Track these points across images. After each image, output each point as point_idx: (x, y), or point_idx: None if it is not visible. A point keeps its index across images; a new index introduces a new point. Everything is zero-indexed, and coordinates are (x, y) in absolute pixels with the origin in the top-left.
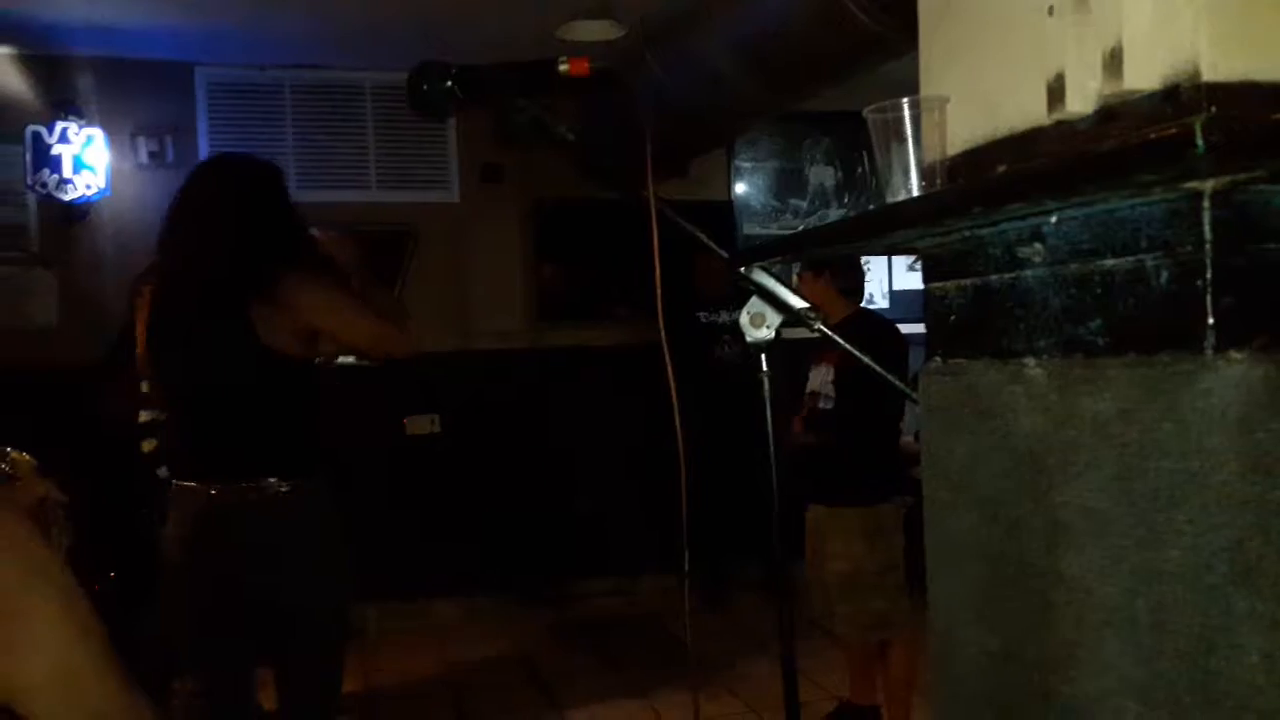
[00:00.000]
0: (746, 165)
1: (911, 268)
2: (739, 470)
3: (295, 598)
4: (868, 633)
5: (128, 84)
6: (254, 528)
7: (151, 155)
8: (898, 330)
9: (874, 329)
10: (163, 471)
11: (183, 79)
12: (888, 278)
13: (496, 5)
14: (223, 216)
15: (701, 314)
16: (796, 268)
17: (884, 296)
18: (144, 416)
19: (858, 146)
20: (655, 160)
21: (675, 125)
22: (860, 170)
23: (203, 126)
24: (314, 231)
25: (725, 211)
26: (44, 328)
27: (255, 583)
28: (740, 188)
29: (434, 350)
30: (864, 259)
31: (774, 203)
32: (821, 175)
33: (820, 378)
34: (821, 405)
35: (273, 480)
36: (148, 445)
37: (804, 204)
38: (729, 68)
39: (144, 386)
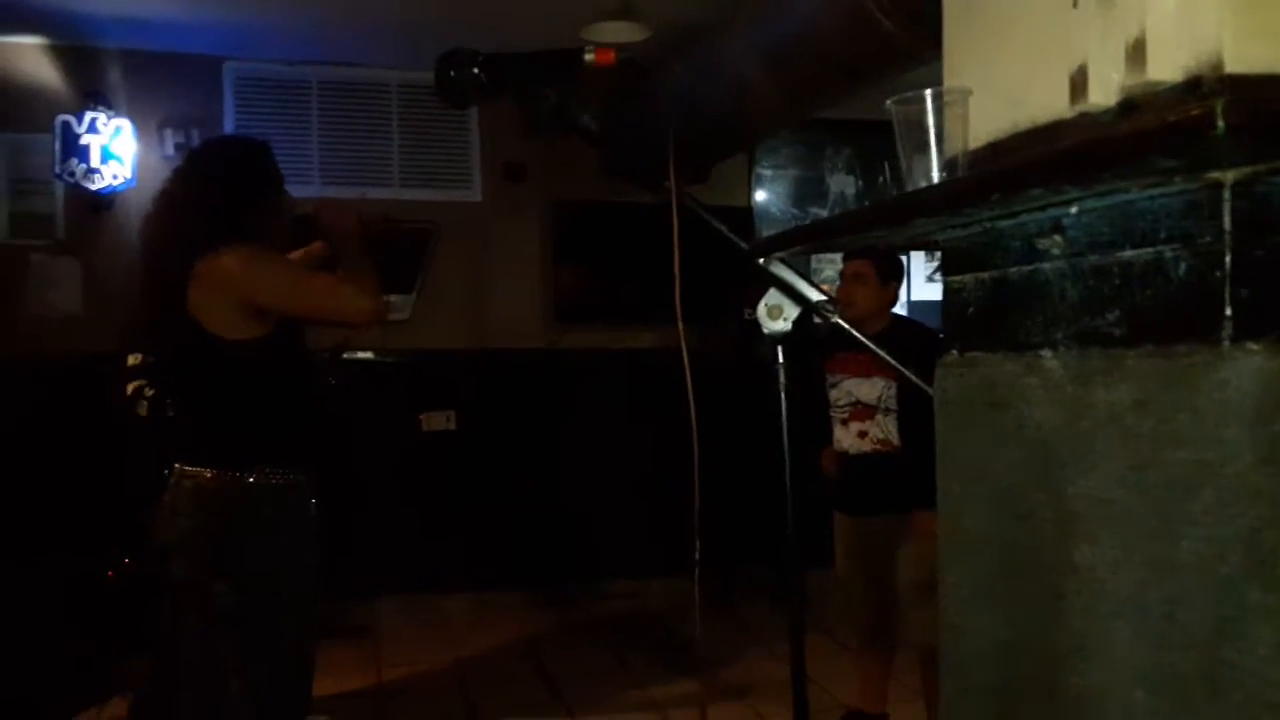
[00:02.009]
0: (767, 172)
1: (930, 278)
2: (763, 471)
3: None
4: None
5: (156, 76)
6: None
7: (178, 147)
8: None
9: (921, 337)
10: None
11: (211, 72)
12: (906, 288)
13: (523, 6)
14: (171, 199)
15: (747, 310)
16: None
17: (902, 307)
18: (130, 388)
19: (879, 156)
20: (676, 162)
21: (697, 130)
22: (881, 180)
23: (229, 120)
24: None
25: (745, 218)
26: (69, 314)
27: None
28: (760, 195)
29: (452, 347)
30: None
31: (794, 210)
32: (842, 184)
33: (875, 389)
34: (880, 418)
35: (201, 470)
36: (131, 386)
37: (824, 212)
38: (753, 73)
39: (131, 359)
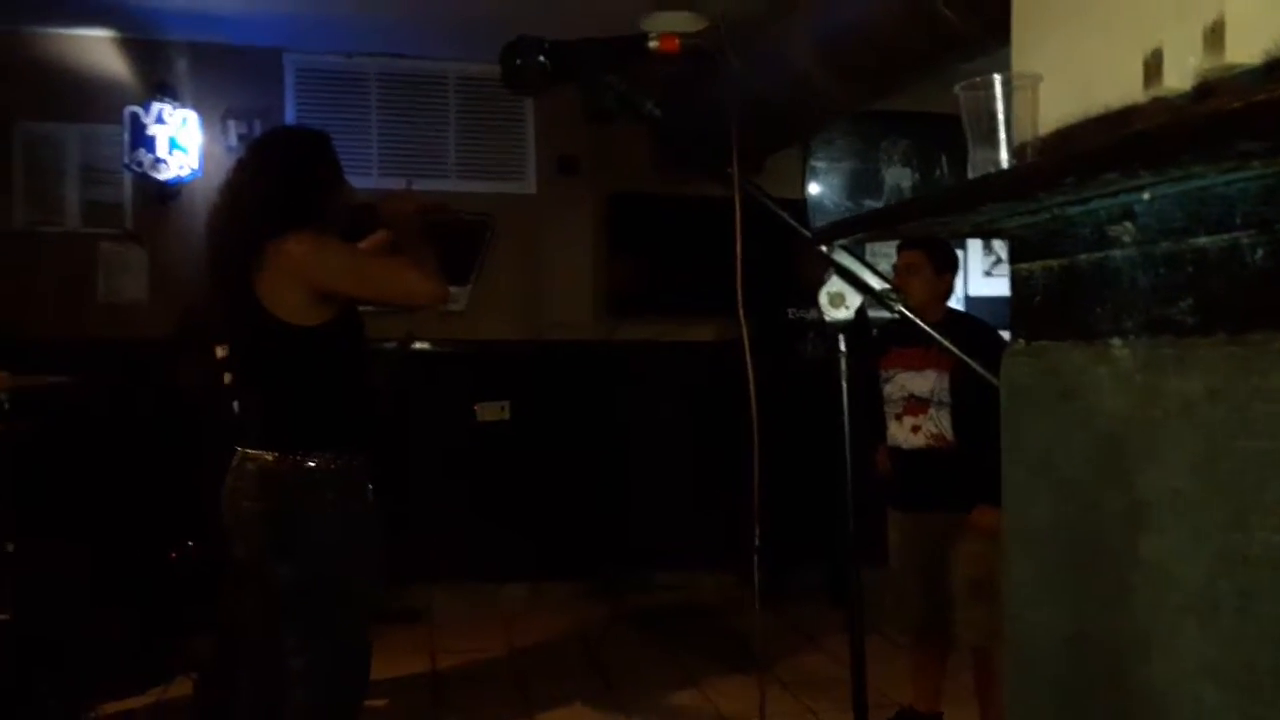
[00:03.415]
0: (821, 165)
1: (988, 273)
2: (812, 471)
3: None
4: (994, 638)
5: (220, 68)
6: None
7: (241, 138)
8: (1000, 335)
9: (980, 332)
10: None
11: (272, 65)
12: (963, 284)
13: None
14: (236, 189)
15: (790, 310)
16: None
17: (959, 302)
18: (227, 378)
19: (936, 148)
20: (738, 148)
21: (752, 121)
22: (938, 172)
23: (290, 111)
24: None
25: (799, 211)
26: (135, 302)
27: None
28: (814, 187)
29: (506, 338)
30: None
31: (848, 203)
32: (898, 176)
33: (927, 383)
34: (934, 411)
35: (263, 453)
36: (228, 377)
37: (879, 205)
38: (810, 63)
39: (219, 351)
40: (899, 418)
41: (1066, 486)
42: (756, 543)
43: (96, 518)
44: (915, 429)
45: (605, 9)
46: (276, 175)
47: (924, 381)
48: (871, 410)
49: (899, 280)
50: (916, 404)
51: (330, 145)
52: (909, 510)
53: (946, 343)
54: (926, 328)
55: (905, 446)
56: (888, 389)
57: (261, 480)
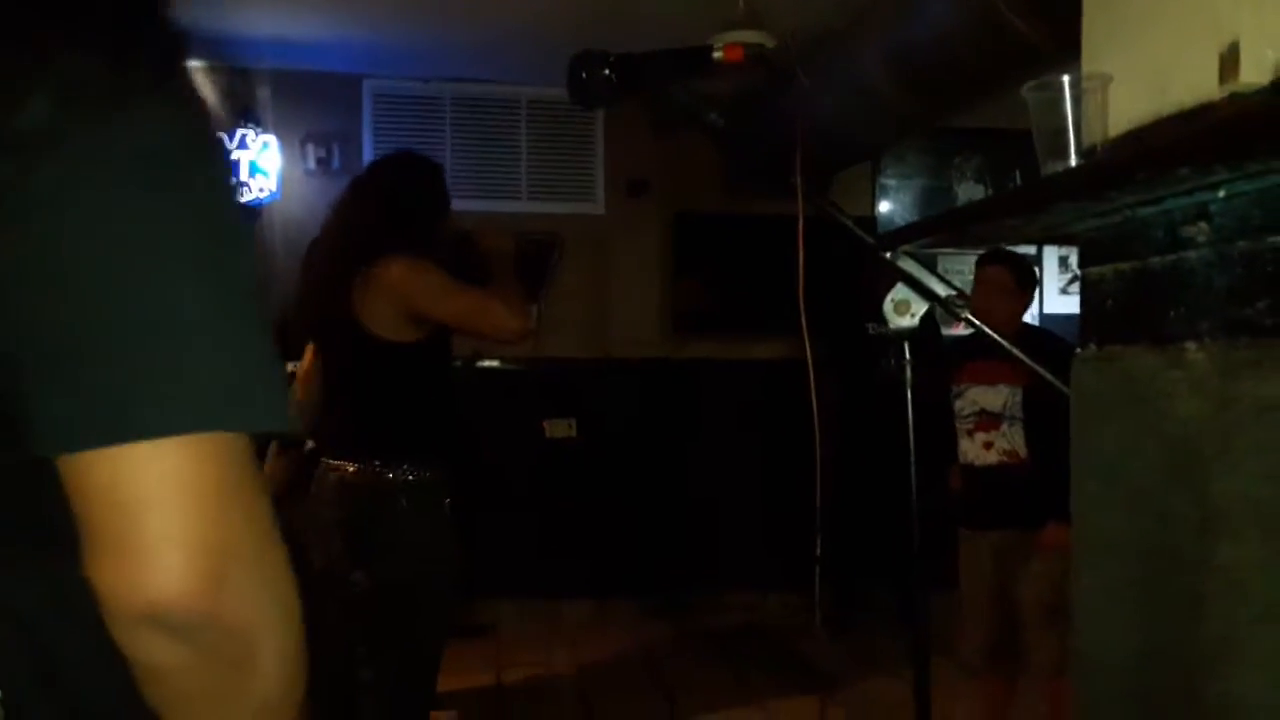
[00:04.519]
0: (892, 182)
1: (1064, 290)
2: (888, 490)
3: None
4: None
5: (300, 94)
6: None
7: (319, 161)
8: (1074, 348)
9: (1053, 345)
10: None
11: (351, 90)
12: (1039, 301)
13: (652, 22)
14: (347, 208)
15: (870, 326)
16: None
17: (1034, 319)
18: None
19: (1010, 164)
20: (803, 159)
21: (821, 138)
22: (1012, 188)
23: (367, 135)
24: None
25: (869, 228)
26: None
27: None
28: (885, 205)
29: (574, 356)
30: None
31: None
32: (971, 193)
33: (1000, 397)
34: (1006, 427)
35: (345, 464)
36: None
37: None
38: (881, 79)
39: (289, 366)
40: (970, 433)
41: (1138, 494)
42: (817, 552)
43: None
44: (988, 445)
45: (677, 34)
46: (389, 198)
47: (996, 396)
48: (944, 427)
49: (983, 296)
50: (989, 419)
51: (442, 176)
52: (980, 528)
53: (1017, 351)
54: (994, 335)
55: (977, 463)
56: (959, 404)
57: (341, 489)
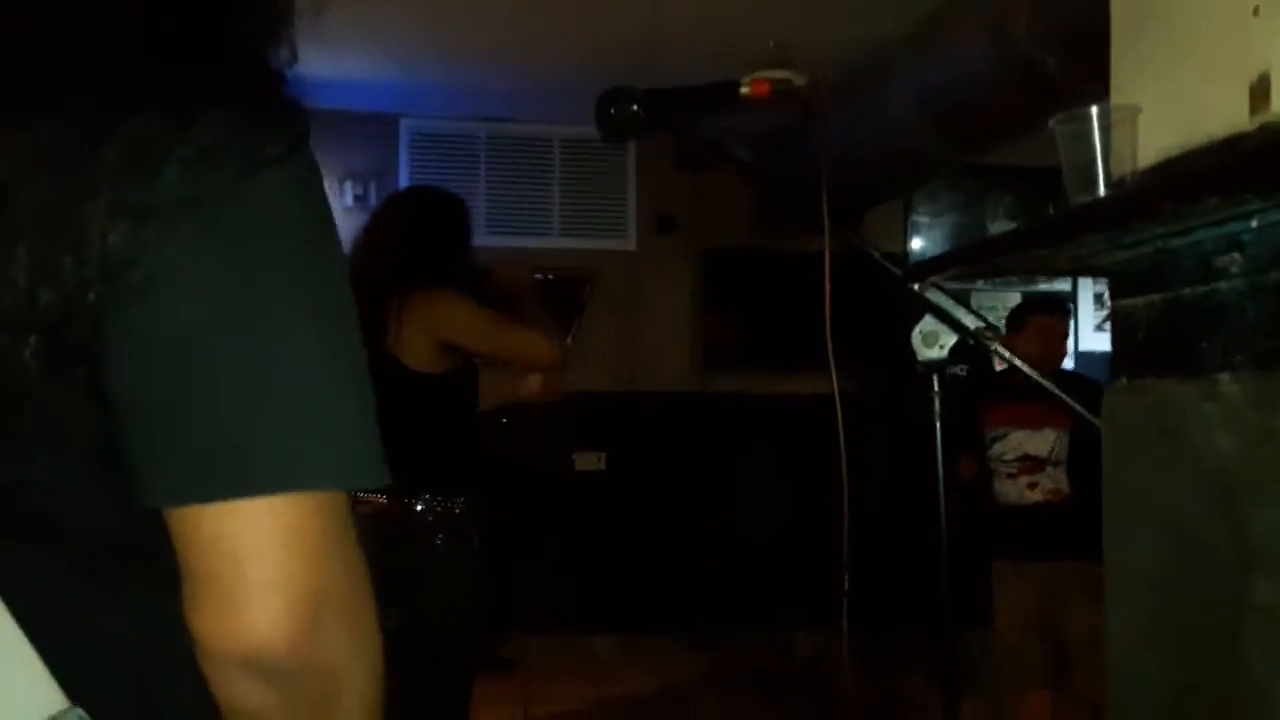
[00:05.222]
0: (924, 219)
1: (1099, 328)
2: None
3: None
4: None
5: (338, 132)
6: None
7: (356, 199)
8: None
9: (1094, 389)
10: None
11: (388, 128)
12: (1074, 338)
13: (684, 63)
14: (375, 237)
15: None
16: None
17: (1070, 357)
18: None
19: (1042, 202)
20: (830, 209)
21: (852, 174)
22: (1040, 220)
23: (404, 173)
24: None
25: (901, 266)
26: None
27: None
28: (917, 242)
29: (604, 390)
30: None
31: None
32: (1003, 230)
33: (1046, 442)
34: (1050, 470)
35: (375, 496)
36: None
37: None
38: (910, 117)
39: None
40: (1012, 476)
41: (1171, 528)
42: (845, 587)
43: None
44: (1032, 485)
45: (708, 75)
46: (418, 231)
47: (1043, 441)
48: (962, 437)
49: (1051, 345)
50: (1033, 464)
51: (467, 210)
52: (1024, 560)
53: (1066, 398)
54: (1039, 377)
55: (1020, 503)
56: (999, 447)
57: (372, 523)
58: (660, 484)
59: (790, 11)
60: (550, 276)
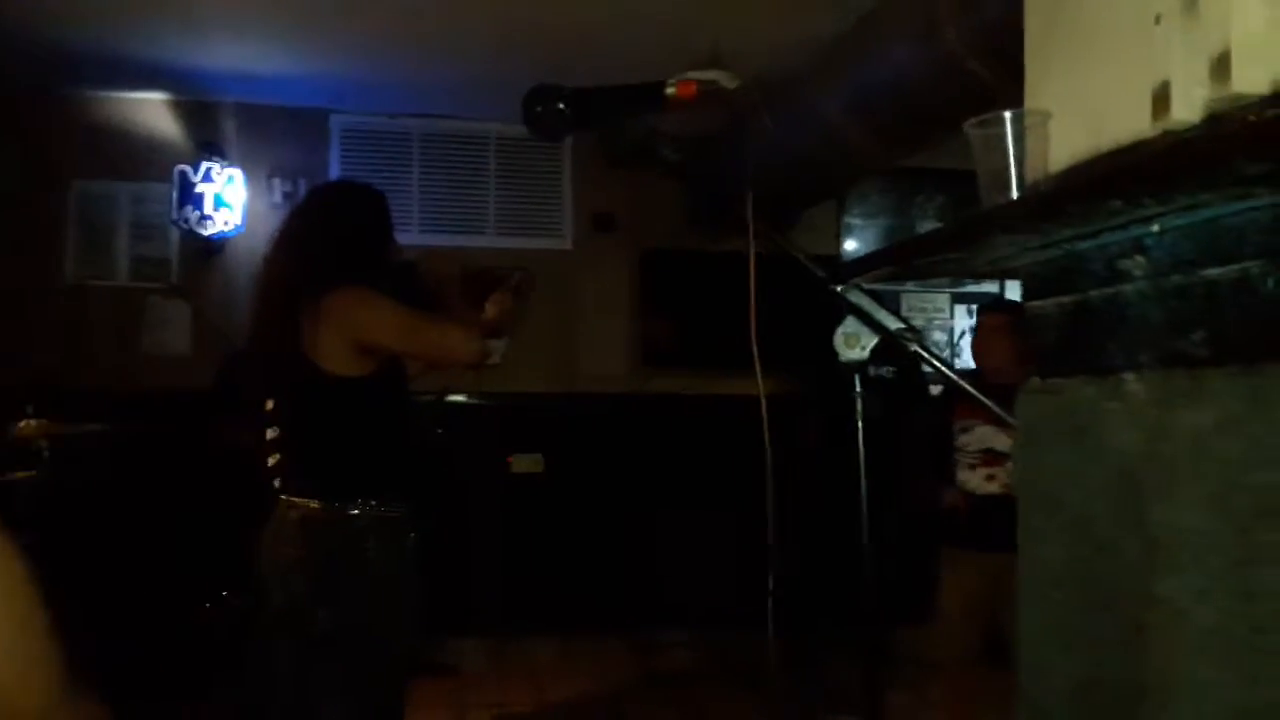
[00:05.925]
0: (857, 221)
1: None
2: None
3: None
4: None
5: (267, 128)
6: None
7: (285, 195)
8: None
9: None
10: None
11: (318, 124)
12: None
13: (619, 61)
14: (291, 237)
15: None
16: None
17: None
18: (270, 434)
19: (971, 204)
20: (765, 210)
21: (787, 176)
22: (952, 223)
23: (334, 170)
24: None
25: (832, 267)
26: (179, 354)
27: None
28: (850, 243)
29: (541, 391)
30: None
31: None
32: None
33: (1010, 439)
34: (1010, 465)
35: (307, 500)
36: (272, 459)
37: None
38: (843, 120)
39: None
40: (973, 467)
41: (1079, 525)
42: (770, 587)
43: (132, 566)
44: (990, 477)
45: (643, 74)
46: (332, 228)
47: (1007, 437)
48: (941, 457)
49: (983, 341)
50: (995, 456)
51: (385, 203)
52: (980, 550)
53: (978, 395)
54: (954, 377)
55: (978, 492)
56: (964, 438)
57: (304, 527)
58: (599, 485)
59: (727, 12)
60: (504, 272)
